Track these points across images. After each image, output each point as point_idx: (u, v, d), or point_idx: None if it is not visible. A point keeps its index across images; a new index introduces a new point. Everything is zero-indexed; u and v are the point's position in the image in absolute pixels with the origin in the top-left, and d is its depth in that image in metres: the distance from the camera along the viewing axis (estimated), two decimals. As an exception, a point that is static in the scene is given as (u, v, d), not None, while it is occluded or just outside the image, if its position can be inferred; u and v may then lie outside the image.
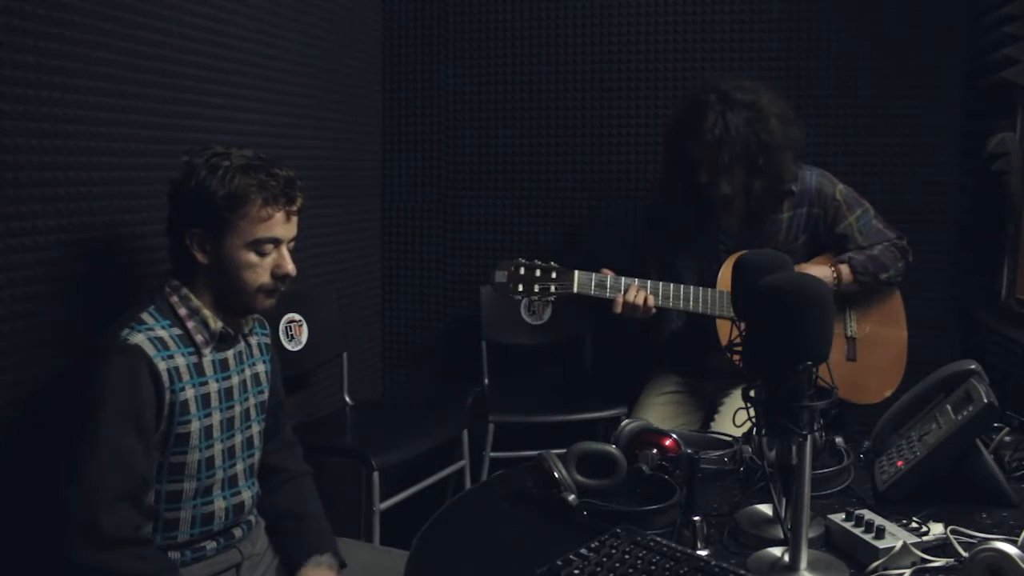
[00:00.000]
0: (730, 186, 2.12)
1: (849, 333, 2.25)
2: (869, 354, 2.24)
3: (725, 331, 2.11)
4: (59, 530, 1.35)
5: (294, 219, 1.53)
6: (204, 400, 1.49)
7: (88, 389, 1.39)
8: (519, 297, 2.04)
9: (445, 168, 3.14)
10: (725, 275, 2.15)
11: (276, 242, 1.50)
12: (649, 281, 2.09)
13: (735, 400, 2.12)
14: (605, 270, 2.09)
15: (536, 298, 2.04)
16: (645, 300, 2.05)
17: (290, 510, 1.69)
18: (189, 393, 1.46)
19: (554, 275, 2.03)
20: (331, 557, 1.63)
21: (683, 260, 2.29)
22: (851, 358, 2.22)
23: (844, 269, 2.17)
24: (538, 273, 2.03)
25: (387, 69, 3.15)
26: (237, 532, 1.58)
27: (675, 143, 2.20)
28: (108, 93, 1.78)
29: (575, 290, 2.04)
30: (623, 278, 2.07)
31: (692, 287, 2.11)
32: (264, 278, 1.50)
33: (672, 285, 2.10)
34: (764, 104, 2.14)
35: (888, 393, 2.22)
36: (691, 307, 2.09)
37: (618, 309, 2.06)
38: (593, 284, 2.06)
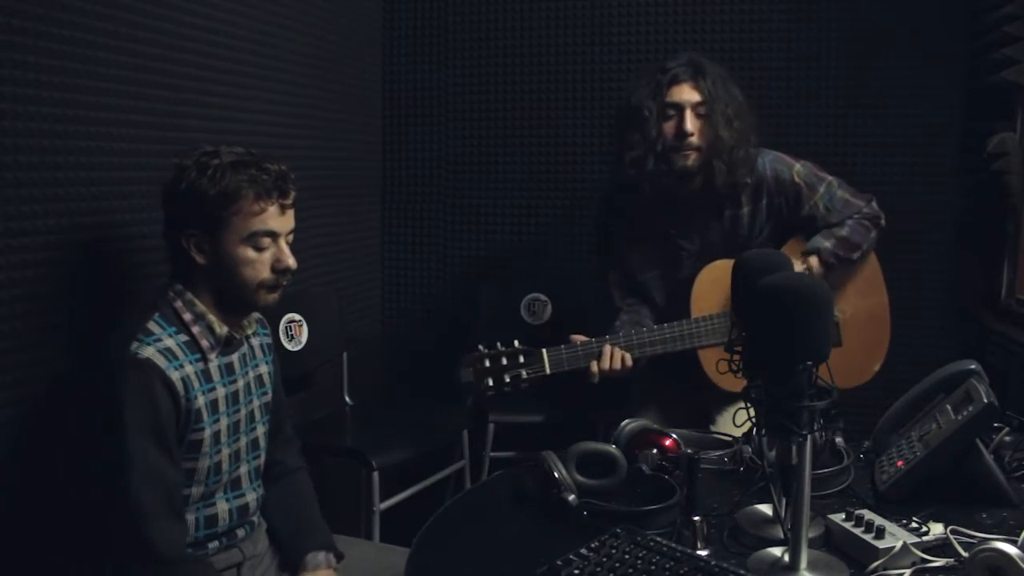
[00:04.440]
0: (727, 134, 1.99)
1: (834, 318, 2.19)
2: (855, 333, 2.16)
3: (707, 356, 2.03)
4: (112, 554, 1.37)
5: (289, 212, 1.52)
6: (213, 406, 1.48)
7: (107, 409, 1.38)
8: (491, 393, 1.85)
9: (445, 168, 3.14)
10: (699, 296, 2.06)
11: (273, 235, 1.49)
12: (621, 335, 1.97)
13: (733, 407, 2.10)
14: (574, 337, 1.95)
15: (509, 389, 1.86)
16: (623, 360, 1.93)
17: (286, 505, 1.69)
18: (200, 400, 1.45)
19: (522, 359, 1.86)
20: (326, 554, 1.63)
21: (645, 271, 2.19)
22: (838, 343, 2.15)
23: (813, 262, 2.08)
24: (505, 361, 1.85)
25: (387, 69, 3.15)
26: (240, 532, 1.58)
27: (650, 99, 2.03)
28: (108, 93, 1.78)
29: (547, 371, 1.88)
30: (594, 341, 1.94)
31: (669, 326, 1.99)
32: (264, 273, 1.49)
33: (646, 331, 1.98)
34: (724, 70, 2.08)
35: (877, 367, 2.16)
36: (672, 347, 1.98)
37: (595, 380, 1.93)
38: (565, 359, 1.92)
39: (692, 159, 2.01)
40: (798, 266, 2.06)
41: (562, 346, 1.92)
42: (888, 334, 2.20)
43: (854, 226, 2.13)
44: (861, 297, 2.20)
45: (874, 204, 2.18)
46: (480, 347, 1.86)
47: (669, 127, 2.01)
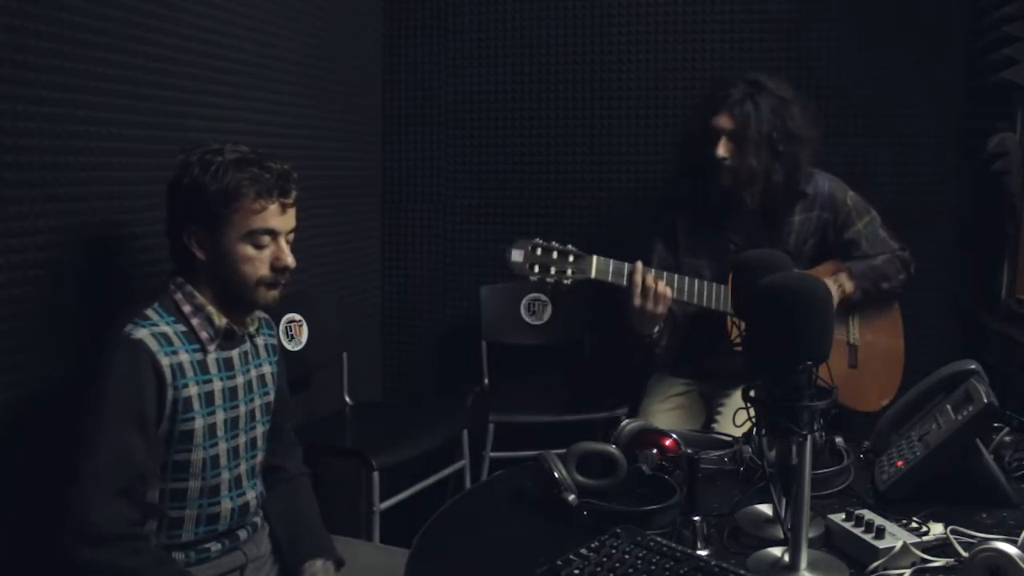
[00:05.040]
0: (757, 162, 2.11)
1: (851, 340, 2.24)
2: (870, 362, 2.24)
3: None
4: (56, 526, 1.35)
5: (290, 211, 1.53)
6: (208, 398, 1.49)
7: (91, 383, 1.39)
8: (534, 279, 1.95)
9: (445, 168, 3.14)
10: None
11: (273, 234, 1.50)
12: (665, 273, 2.06)
13: (735, 401, 2.12)
14: None
15: (552, 280, 1.94)
16: (665, 289, 2.00)
17: (285, 511, 1.69)
18: (192, 390, 1.46)
19: (571, 259, 1.96)
20: (324, 562, 1.61)
21: (691, 261, 2.27)
22: (852, 365, 2.22)
23: (844, 278, 2.17)
24: (555, 255, 1.95)
25: (387, 69, 3.15)
26: (242, 534, 1.58)
27: (700, 117, 2.19)
28: (108, 93, 1.78)
29: (592, 275, 1.98)
30: (640, 264, 2.02)
31: (707, 282, 2.09)
32: (263, 271, 1.50)
33: (687, 279, 2.07)
34: (789, 95, 2.17)
35: (885, 402, 2.21)
36: (705, 302, 2.06)
37: (636, 298, 1.99)
38: (611, 270, 2.00)
39: (726, 178, 2.15)
40: (830, 283, 2.13)
41: (611, 259, 2.01)
42: (900, 377, 2.29)
43: (887, 260, 2.25)
44: (881, 333, 2.30)
45: (907, 253, 2.29)
46: (537, 238, 1.96)
47: (710, 149, 2.14)
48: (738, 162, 2.12)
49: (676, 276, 2.07)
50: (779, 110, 2.13)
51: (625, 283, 2.01)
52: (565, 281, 1.96)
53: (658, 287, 2.00)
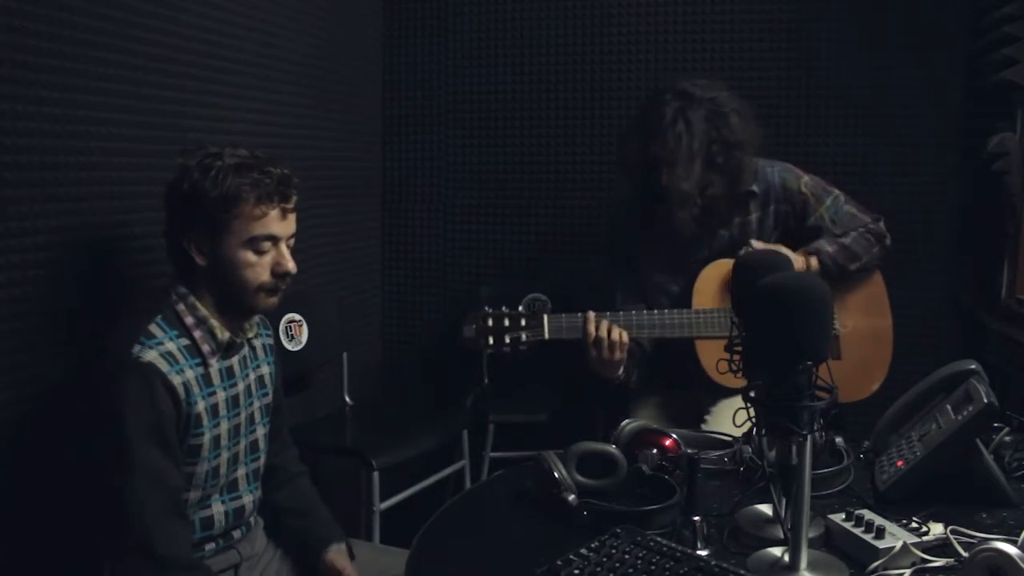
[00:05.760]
0: (688, 183, 2.03)
1: (833, 331, 2.19)
2: (855, 349, 2.19)
3: (706, 350, 2.06)
4: (118, 556, 1.38)
5: (291, 216, 1.52)
6: (213, 410, 1.48)
7: (109, 412, 1.38)
8: (489, 351, 1.95)
9: (445, 168, 3.14)
10: (700, 290, 2.10)
11: (273, 240, 1.49)
12: (621, 313, 2.01)
13: (724, 406, 2.10)
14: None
15: (508, 349, 1.94)
16: (620, 335, 1.95)
17: (296, 507, 1.71)
18: (200, 405, 1.45)
19: (523, 322, 1.95)
20: (345, 546, 1.66)
21: (654, 275, 2.21)
22: (836, 357, 2.17)
23: (813, 262, 2.11)
24: (506, 322, 1.94)
25: (387, 69, 3.15)
26: (236, 534, 1.58)
27: (635, 144, 2.11)
28: (108, 93, 1.78)
29: (546, 336, 1.96)
30: (592, 313, 1.98)
31: (668, 312, 2.03)
32: (264, 276, 1.49)
33: (646, 314, 2.02)
34: (723, 100, 2.08)
35: (876, 386, 2.17)
36: (668, 333, 2.01)
37: (591, 349, 1.95)
38: (564, 327, 1.97)
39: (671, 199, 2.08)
40: (799, 262, 2.08)
41: (563, 314, 1.99)
42: (890, 355, 2.22)
43: (857, 237, 2.17)
44: (863, 315, 2.22)
45: (881, 224, 2.22)
46: (486, 308, 1.95)
47: (653, 178, 2.07)
48: (676, 183, 2.04)
49: (634, 314, 2.01)
50: (713, 120, 2.04)
51: (581, 336, 1.97)
52: (520, 347, 1.95)
53: (612, 335, 1.95)
